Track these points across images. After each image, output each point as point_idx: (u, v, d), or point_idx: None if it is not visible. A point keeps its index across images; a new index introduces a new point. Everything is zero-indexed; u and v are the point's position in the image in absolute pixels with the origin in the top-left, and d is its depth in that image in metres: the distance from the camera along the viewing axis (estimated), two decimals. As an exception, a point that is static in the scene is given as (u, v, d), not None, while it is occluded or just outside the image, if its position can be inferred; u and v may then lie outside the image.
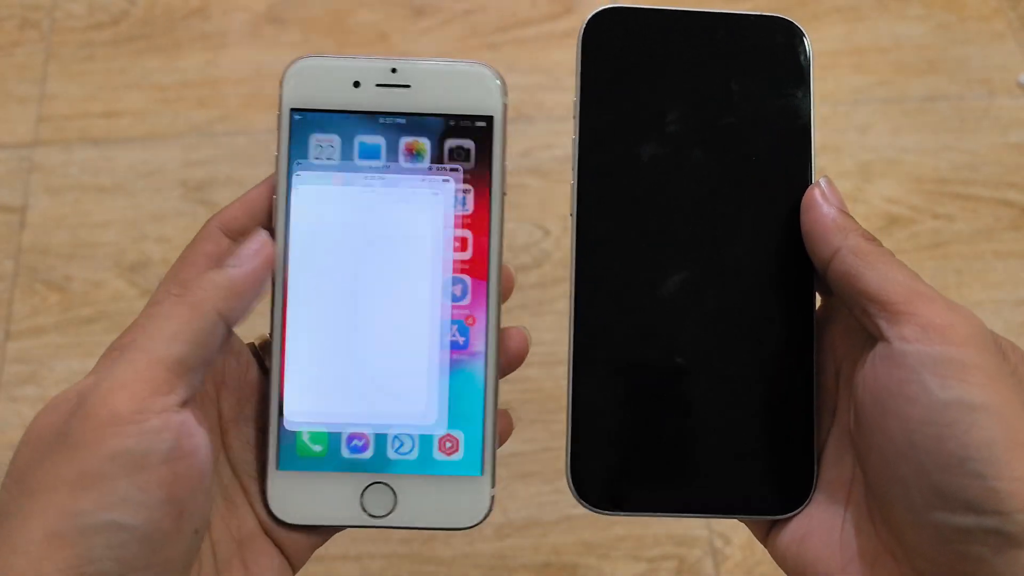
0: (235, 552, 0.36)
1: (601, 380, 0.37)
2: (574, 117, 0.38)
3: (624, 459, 0.37)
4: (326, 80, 0.38)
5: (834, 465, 0.37)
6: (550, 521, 0.73)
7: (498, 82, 0.38)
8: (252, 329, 0.39)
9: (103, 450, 0.30)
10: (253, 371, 0.38)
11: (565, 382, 0.37)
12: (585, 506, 0.37)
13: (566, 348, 0.38)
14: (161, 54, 0.92)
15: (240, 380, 0.37)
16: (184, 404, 0.33)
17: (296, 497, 0.37)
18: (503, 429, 0.39)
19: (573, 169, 0.38)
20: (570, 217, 0.38)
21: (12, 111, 0.90)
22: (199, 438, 0.33)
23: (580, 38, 0.38)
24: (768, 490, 0.37)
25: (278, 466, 0.37)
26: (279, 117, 0.38)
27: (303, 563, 0.38)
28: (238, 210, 0.38)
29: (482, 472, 0.38)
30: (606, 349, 0.37)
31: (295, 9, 0.94)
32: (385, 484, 0.37)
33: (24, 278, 0.83)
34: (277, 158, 0.38)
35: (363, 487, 0.37)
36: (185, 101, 0.90)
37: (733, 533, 0.73)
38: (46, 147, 0.88)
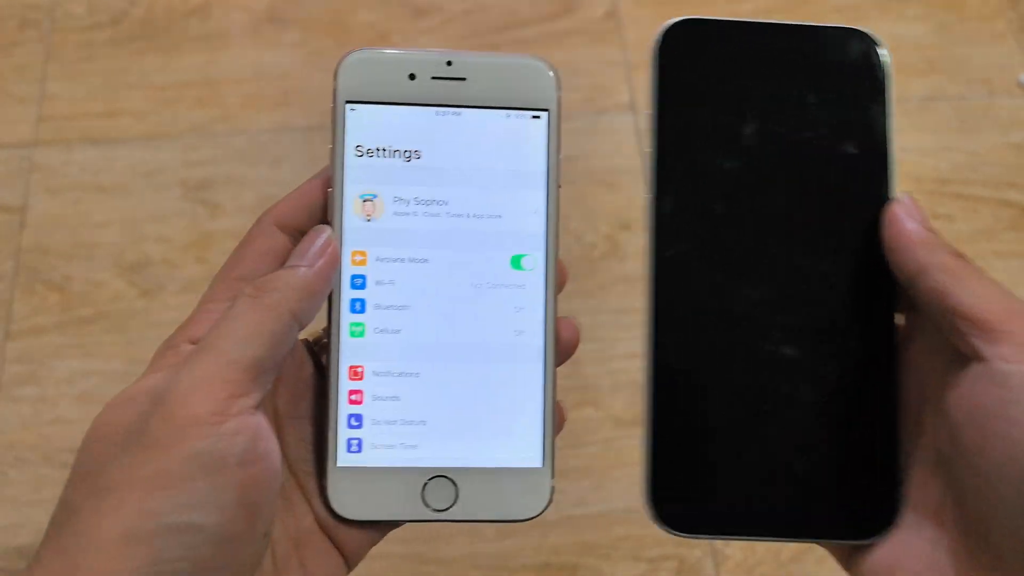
0: (292, 551, 0.36)
1: (681, 401, 0.37)
2: (649, 130, 0.37)
3: (705, 481, 0.36)
4: (381, 72, 0.38)
5: (921, 487, 0.35)
6: (550, 521, 0.73)
7: (552, 75, 0.39)
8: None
9: (181, 451, 0.31)
10: (308, 368, 0.38)
11: (642, 402, 0.37)
12: (665, 528, 0.36)
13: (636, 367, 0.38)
14: (161, 54, 0.92)
15: (296, 376, 0.37)
16: (257, 406, 0.33)
17: (356, 493, 0.37)
18: (559, 420, 0.39)
19: (650, 183, 0.37)
20: (646, 233, 0.37)
21: (12, 111, 0.90)
22: (272, 441, 0.33)
23: (656, 50, 0.38)
24: (852, 514, 0.36)
25: (338, 461, 0.37)
26: (333, 109, 0.38)
27: (359, 560, 0.38)
28: (292, 204, 0.37)
29: (543, 463, 0.38)
30: (685, 369, 0.37)
31: (295, 9, 0.94)
32: (446, 477, 0.37)
33: (24, 278, 0.83)
34: (332, 151, 0.38)
35: (424, 480, 0.37)
36: (185, 101, 0.90)
37: (733, 533, 0.73)
38: (46, 147, 0.88)
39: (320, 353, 0.39)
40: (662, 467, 0.36)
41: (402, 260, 0.38)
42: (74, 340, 0.80)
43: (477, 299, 0.38)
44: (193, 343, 0.34)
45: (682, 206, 0.37)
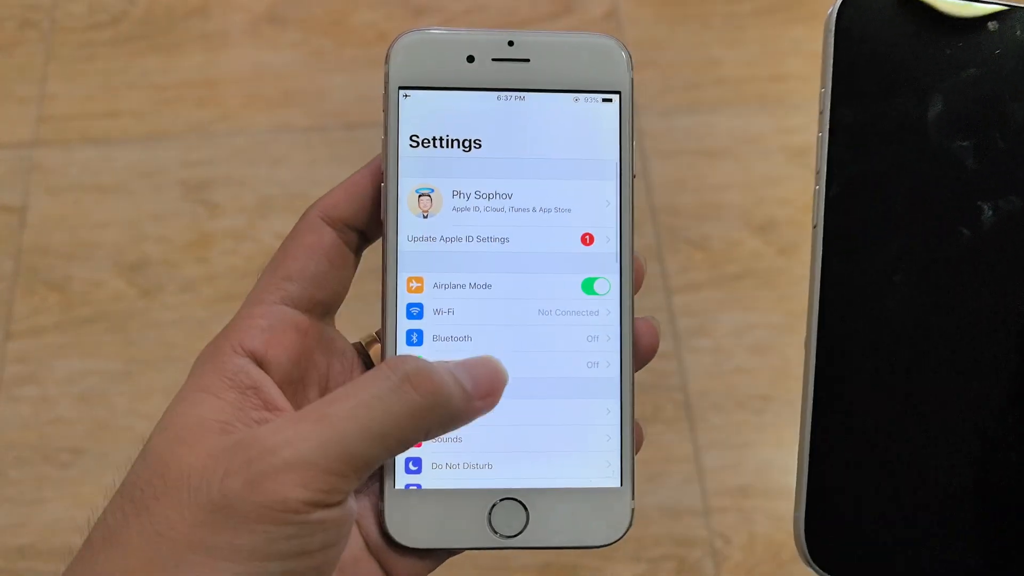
0: None
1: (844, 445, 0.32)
2: (821, 112, 0.33)
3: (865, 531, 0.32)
4: (437, 55, 0.35)
5: None
6: (550, 521, 0.73)
7: (624, 55, 0.35)
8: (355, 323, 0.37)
9: (264, 530, 0.27)
10: (358, 374, 0.34)
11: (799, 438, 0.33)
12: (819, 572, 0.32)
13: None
14: (161, 54, 0.92)
15: (345, 383, 0.34)
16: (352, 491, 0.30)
17: (416, 518, 0.33)
18: (637, 437, 0.36)
19: (819, 173, 0.33)
20: (813, 229, 0.33)
21: (12, 111, 0.90)
22: (353, 518, 0.30)
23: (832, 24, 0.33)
24: None
25: (396, 483, 0.33)
26: (385, 96, 0.35)
27: None
28: (340, 197, 0.34)
29: (622, 483, 0.34)
30: (849, 403, 0.32)
31: (295, 9, 0.94)
32: (516, 500, 0.34)
33: (24, 278, 0.83)
34: (384, 141, 0.34)
35: (491, 504, 0.34)
36: (185, 101, 0.90)
37: (733, 533, 0.73)
38: (46, 147, 0.88)
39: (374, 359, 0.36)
40: (819, 515, 0.32)
41: (463, 286, 0.35)
42: (74, 340, 0.80)
43: (545, 328, 0.35)
44: (247, 352, 0.32)
45: (855, 203, 0.32)
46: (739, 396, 0.78)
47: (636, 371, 0.36)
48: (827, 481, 0.32)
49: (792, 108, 0.89)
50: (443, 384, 0.30)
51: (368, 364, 0.35)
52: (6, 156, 0.88)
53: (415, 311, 0.35)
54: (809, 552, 0.32)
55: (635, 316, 0.35)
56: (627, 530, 0.34)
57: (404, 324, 0.34)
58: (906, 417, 0.32)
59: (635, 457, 0.35)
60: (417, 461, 0.34)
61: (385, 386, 0.29)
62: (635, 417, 0.35)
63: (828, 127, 0.32)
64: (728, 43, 0.93)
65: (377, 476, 0.33)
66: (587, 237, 0.35)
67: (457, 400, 0.30)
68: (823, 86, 0.33)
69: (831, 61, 0.33)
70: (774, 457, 0.76)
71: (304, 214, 0.34)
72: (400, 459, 0.33)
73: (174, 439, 0.30)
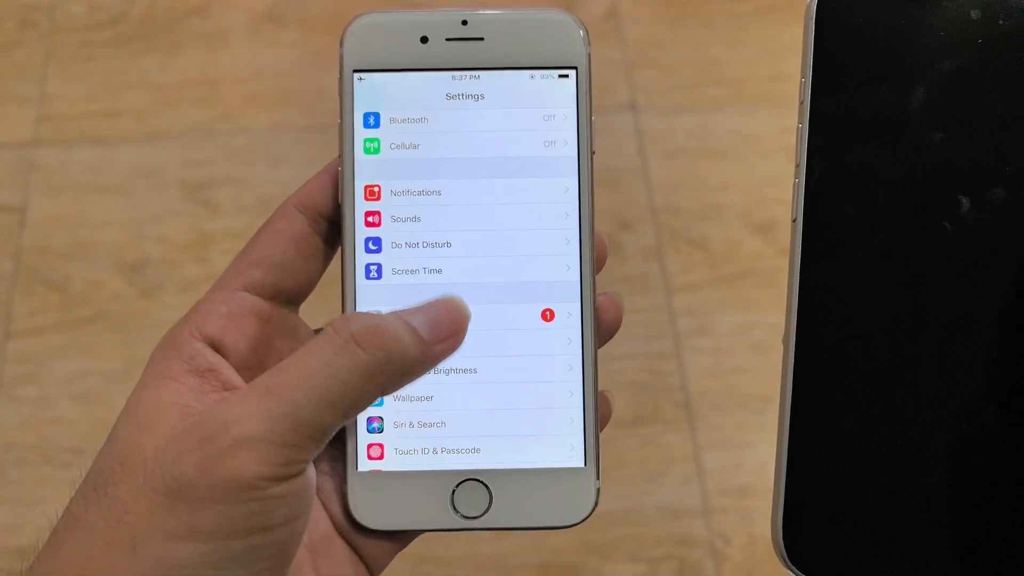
0: (307, 557, 0.32)
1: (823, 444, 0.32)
2: (801, 102, 0.32)
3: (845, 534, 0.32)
4: (390, 37, 0.34)
5: None
6: (550, 521, 0.73)
7: (580, 30, 0.35)
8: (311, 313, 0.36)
9: (221, 510, 0.27)
10: None
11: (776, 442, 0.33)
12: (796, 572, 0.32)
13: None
14: (161, 54, 0.92)
15: None
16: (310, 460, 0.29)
17: (379, 500, 0.33)
18: (603, 413, 0.35)
19: (799, 166, 0.32)
20: (792, 223, 0.32)
21: (12, 111, 0.90)
22: (314, 487, 0.29)
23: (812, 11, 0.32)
24: None
25: (359, 466, 0.34)
26: (340, 81, 0.35)
27: (383, 568, 0.34)
28: (314, 186, 0.34)
29: (585, 463, 0.34)
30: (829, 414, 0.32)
31: (295, 8, 0.94)
32: (479, 481, 0.34)
33: (24, 278, 0.83)
34: (341, 126, 0.34)
35: (453, 485, 0.34)
36: (185, 101, 0.90)
37: (734, 533, 0.73)
38: (46, 147, 0.88)
39: None
40: (796, 518, 0.31)
41: (418, 245, 0.34)
42: (74, 340, 0.80)
43: (508, 309, 0.34)
44: (204, 338, 0.31)
45: (833, 197, 0.32)
46: (739, 396, 0.78)
47: (599, 347, 0.35)
48: (805, 483, 0.31)
49: (792, 108, 0.89)
50: (393, 338, 0.28)
51: None
52: (6, 156, 0.88)
53: (373, 247, 0.34)
54: (787, 554, 0.31)
55: (598, 293, 0.35)
56: (592, 510, 0.34)
57: (363, 258, 0.34)
58: (885, 417, 0.31)
59: (601, 430, 0.35)
60: (380, 445, 0.34)
61: (331, 350, 0.28)
62: (603, 389, 0.35)
63: (808, 118, 0.32)
64: (728, 43, 0.93)
65: (341, 457, 0.33)
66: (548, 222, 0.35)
67: (412, 350, 0.29)
68: (803, 76, 0.32)
69: (811, 51, 0.32)
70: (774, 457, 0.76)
71: (281, 205, 0.34)
72: (362, 441, 0.33)
73: (135, 425, 0.29)
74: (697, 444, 0.76)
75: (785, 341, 0.32)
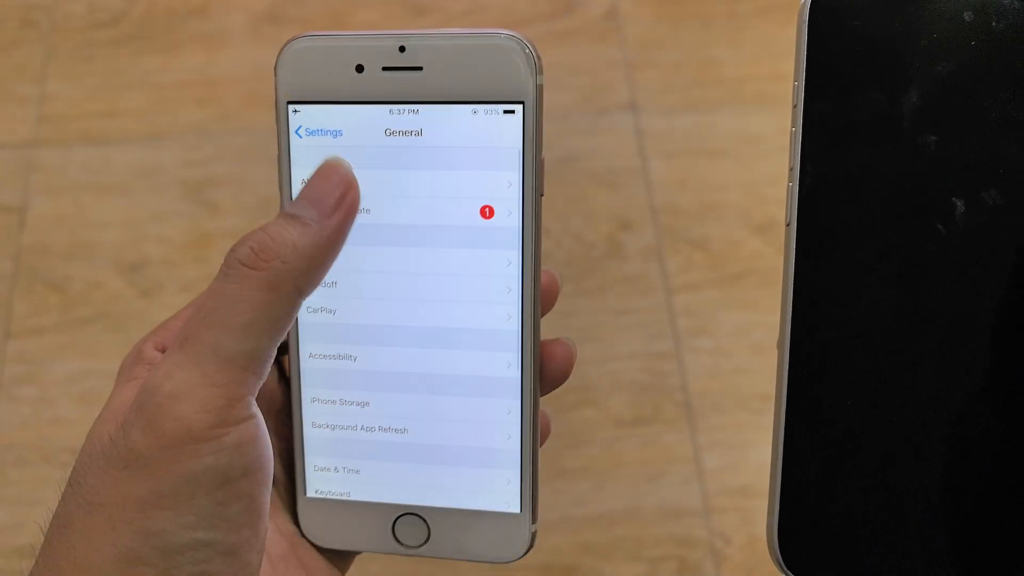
0: (289, 549, 0.34)
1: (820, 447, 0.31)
2: (794, 106, 0.32)
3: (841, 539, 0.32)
4: (325, 65, 0.32)
5: None
6: (550, 521, 0.73)
7: (529, 57, 0.31)
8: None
9: (179, 469, 0.27)
10: (273, 375, 0.34)
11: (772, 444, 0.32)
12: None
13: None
14: (161, 54, 0.92)
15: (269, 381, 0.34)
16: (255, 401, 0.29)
17: (327, 523, 0.34)
18: (543, 429, 0.35)
19: (792, 169, 0.31)
20: (786, 227, 0.32)
21: (12, 111, 0.90)
22: (268, 437, 0.29)
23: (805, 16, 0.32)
24: None
25: (307, 492, 0.34)
26: (276, 110, 0.33)
27: (350, 565, 0.36)
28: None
29: (521, 508, 0.34)
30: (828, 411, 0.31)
31: (295, 9, 0.94)
32: (418, 515, 0.34)
33: (24, 278, 0.83)
34: (279, 158, 0.33)
35: (395, 517, 0.34)
36: (185, 101, 0.90)
37: (734, 533, 0.73)
38: (46, 147, 0.88)
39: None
40: (794, 523, 0.31)
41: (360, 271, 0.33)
42: (74, 340, 0.80)
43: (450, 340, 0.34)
44: (163, 348, 0.32)
45: (829, 200, 0.31)
46: (739, 396, 0.78)
47: (545, 394, 0.35)
48: (801, 485, 0.31)
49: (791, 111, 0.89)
50: (279, 242, 0.28)
51: (280, 368, 0.35)
52: (6, 156, 0.88)
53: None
54: (782, 557, 0.31)
55: (547, 338, 0.34)
56: (527, 551, 0.35)
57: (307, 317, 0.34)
58: (881, 419, 0.31)
59: (540, 446, 0.35)
60: (327, 473, 0.34)
61: (227, 283, 0.28)
62: (541, 410, 0.34)
63: (802, 122, 0.31)
64: (728, 43, 0.93)
65: (290, 478, 0.35)
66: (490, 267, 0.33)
67: (305, 239, 0.28)
68: (796, 79, 0.32)
69: (804, 54, 0.32)
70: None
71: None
72: (310, 468, 0.34)
73: (98, 422, 0.30)
74: (697, 444, 0.76)
75: (780, 345, 0.32)
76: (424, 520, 0.34)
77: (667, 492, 0.74)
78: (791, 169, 0.32)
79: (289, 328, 0.29)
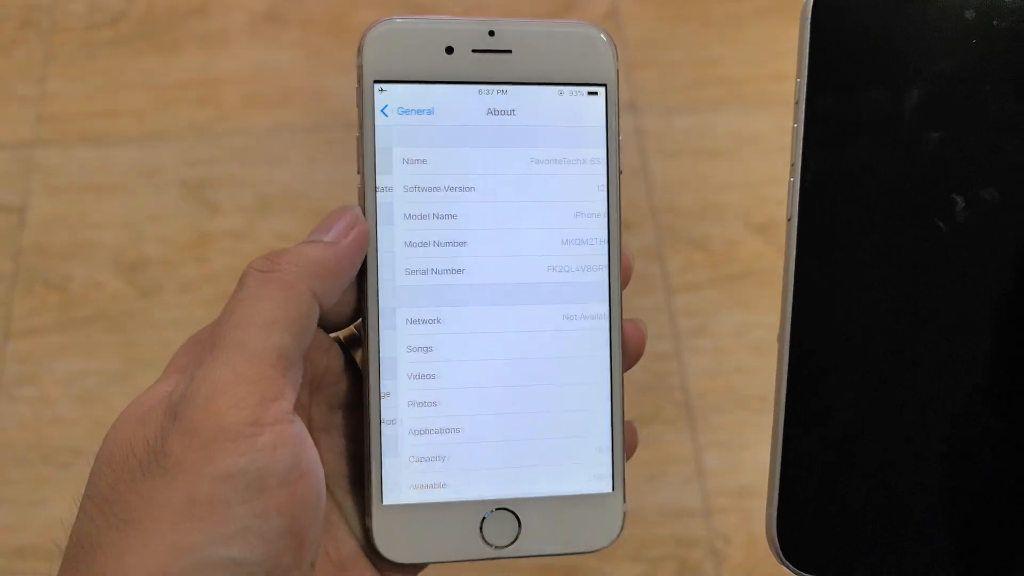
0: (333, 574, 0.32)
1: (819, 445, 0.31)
2: (796, 102, 0.32)
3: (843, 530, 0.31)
4: (414, 46, 0.33)
5: None
6: (550, 521, 0.73)
7: (610, 45, 0.34)
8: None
9: (213, 471, 0.26)
10: (340, 366, 0.33)
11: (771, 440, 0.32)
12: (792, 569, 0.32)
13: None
14: (161, 54, 0.92)
15: (330, 379, 0.33)
16: (293, 409, 0.28)
17: (406, 534, 0.32)
18: (629, 442, 0.35)
19: (794, 165, 0.32)
20: (788, 222, 0.32)
21: (12, 111, 0.89)
22: (314, 451, 0.28)
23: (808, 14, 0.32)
24: None
25: (384, 499, 0.32)
26: (359, 91, 0.33)
27: None
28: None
29: (613, 487, 0.34)
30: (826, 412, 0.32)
31: (295, 8, 0.94)
32: (508, 510, 0.33)
33: (24, 278, 0.82)
34: (360, 139, 0.33)
35: (483, 515, 0.33)
36: (184, 101, 0.90)
37: (734, 533, 0.73)
38: (46, 147, 0.88)
39: (353, 348, 0.34)
40: (793, 514, 0.31)
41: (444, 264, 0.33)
42: (74, 340, 0.80)
43: (534, 336, 0.33)
44: None
45: (829, 195, 0.31)
46: (739, 396, 0.78)
47: (625, 371, 0.35)
48: (800, 478, 0.31)
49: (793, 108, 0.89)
50: (290, 250, 0.29)
51: (350, 357, 0.34)
52: (6, 156, 0.88)
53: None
54: (782, 550, 0.31)
55: (624, 318, 0.35)
56: (619, 534, 0.34)
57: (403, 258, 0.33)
58: (880, 414, 0.31)
59: (627, 460, 0.34)
60: (404, 473, 0.33)
61: (241, 289, 0.29)
62: (628, 419, 0.35)
63: (803, 118, 0.32)
64: (728, 43, 0.93)
65: (365, 489, 0.33)
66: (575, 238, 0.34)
67: (318, 250, 0.30)
68: (799, 76, 0.32)
69: (807, 51, 0.32)
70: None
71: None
72: (388, 472, 0.32)
73: (124, 420, 0.29)
74: (697, 444, 0.76)
75: (780, 339, 0.32)
76: (515, 514, 0.33)
77: (667, 492, 0.74)
78: (793, 164, 0.32)
79: (311, 333, 0.29)
